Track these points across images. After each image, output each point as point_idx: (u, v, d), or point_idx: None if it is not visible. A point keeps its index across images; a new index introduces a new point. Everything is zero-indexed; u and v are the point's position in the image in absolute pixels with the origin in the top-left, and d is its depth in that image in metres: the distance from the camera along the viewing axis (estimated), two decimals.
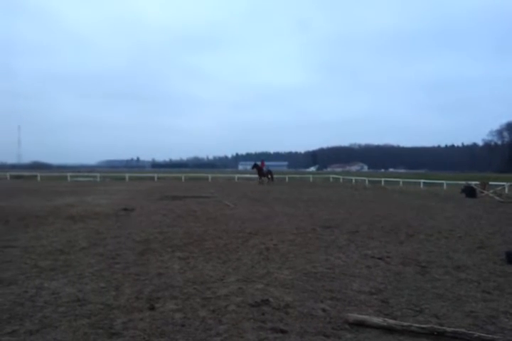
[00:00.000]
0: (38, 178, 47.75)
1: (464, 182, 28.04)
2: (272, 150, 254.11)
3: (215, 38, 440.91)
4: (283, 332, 3.70)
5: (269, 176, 38.15)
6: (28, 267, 5.98)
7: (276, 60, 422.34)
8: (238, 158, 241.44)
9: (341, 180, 50.48)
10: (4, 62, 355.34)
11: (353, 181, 46.93)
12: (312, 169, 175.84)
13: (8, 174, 52.04)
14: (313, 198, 20.54)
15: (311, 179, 53.37)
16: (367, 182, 43.30)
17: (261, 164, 38.55)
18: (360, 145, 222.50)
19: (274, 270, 5.96)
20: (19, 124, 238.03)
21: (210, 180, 50.00)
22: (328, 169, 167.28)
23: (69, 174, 51.15)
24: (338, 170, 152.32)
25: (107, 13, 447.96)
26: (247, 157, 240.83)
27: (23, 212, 12.71)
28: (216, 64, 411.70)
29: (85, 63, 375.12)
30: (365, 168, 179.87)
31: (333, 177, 54.57)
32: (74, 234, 8.83)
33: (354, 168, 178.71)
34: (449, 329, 3.65)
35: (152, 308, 4.26)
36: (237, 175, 56.69)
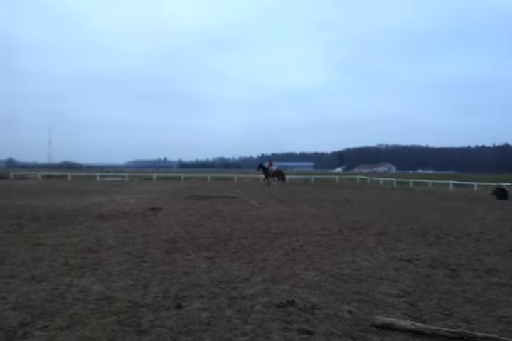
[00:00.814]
0: (69, 178, 48.91)
1: (495, 184, 27.30)
2: (297, 150, 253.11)
3: (237, 39, 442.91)
4: (309, 333, 3.68)
5: (280, 176, 36.16)
6: (59, 265, 6.13)
7: (298, 61, 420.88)
8: (264, 159, 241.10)
9: (368, 181, 49.89)
10: (34, 65, 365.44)
11: (381, 182, 46.32)
12: (338, 170, 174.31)
13: (39, 174, 53.50)
14: (339, 199, 20.37)
15: (337, 180, 52.93)
16: (395, 183, 42.64)
17: (268, 164, 36.98)
18: (387, 146, 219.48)
19: (300, 271, 5.93)
20: (50, 125, 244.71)
21: (235, 180, 50.17)
22: (355, 170, 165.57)
23: (98, 174, 52.21)
24: (365, 170, 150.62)
25: (130, 17, 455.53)
26: (273, 157, 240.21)
27: (54, 211, 13.03)
28: (238, 65, 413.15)
29: (111, 65, 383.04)
30: (393, 169, 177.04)
31: (359, 178, 53.94)
32: (103, 233, 9.00)
33: (381, 168, 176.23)
34: (479, 335, 3.56)
35: (179, 307, 4.30)
36: (262, 176, 56.72)
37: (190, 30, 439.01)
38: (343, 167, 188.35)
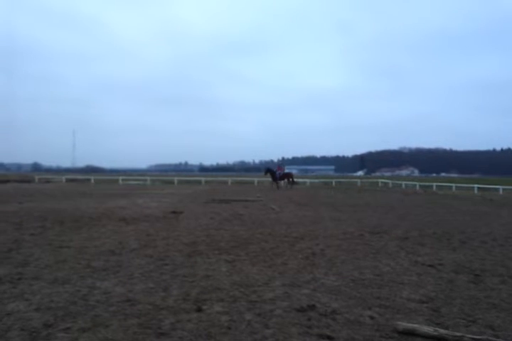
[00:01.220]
0: (92, 181, 49.78)
1: None
2: (318, 154, 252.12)
3: (257, 43, 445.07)
4: (330, 338, 3.64)
5: (290, 179, 35.71)
6: (82, 267, 6.22)
7: (318, 63, 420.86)
8: (284, 162, 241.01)
9: (390, 185, 49.32)
10: (59, 71, 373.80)
11: (403, 186, 45.72)
12: (360, 173, 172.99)
13: (63, 177, 54.61)
14: (360, 203, 20.17)
15: (358, 183, 52.50)
16: (417, 186, 42.06)
17: (277, 169, 36.59)
18: (410, 149, 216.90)
19: (320, 275, 5.89)
20: (74, 130, 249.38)
21: (256, 183, 50.21)
22: (377, 173, 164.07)
23: (121, 177, 53.00)
24: (387, 174, 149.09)
25: (152, 23, 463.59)
26: (293, 161, 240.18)
27: (78, 214, 13.25)
28: (258, 68, 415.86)
29: (133, 70, 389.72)
30: (416, 173, 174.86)
31: (381, 182, 53.41)
32: (125, 236, 9.11)
33: (404, 172, 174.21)
34: None
35: (199, 310, 4.31)
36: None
37: (210, 35, 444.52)
38: (365, 170, 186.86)
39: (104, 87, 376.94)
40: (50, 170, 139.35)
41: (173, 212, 13.91)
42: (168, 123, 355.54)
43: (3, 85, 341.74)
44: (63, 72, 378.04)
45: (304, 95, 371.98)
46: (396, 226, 11.42)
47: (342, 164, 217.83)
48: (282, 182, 36.13)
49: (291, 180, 35.76)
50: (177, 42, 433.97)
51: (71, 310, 4.30)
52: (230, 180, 53.49)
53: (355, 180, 59.89)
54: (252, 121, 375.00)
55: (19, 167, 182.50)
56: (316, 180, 57.87)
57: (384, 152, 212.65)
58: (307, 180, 54.80)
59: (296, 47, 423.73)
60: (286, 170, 37.93)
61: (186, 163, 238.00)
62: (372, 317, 4.18)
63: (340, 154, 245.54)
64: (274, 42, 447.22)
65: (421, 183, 43.94)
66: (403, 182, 47.65)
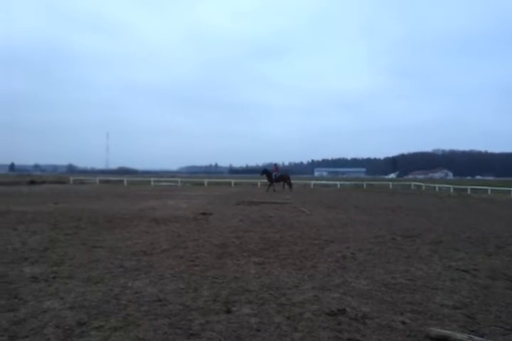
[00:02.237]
0: (125, 183, 50.74)
1: None
2: (349, 156, 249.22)
3: (283, 46, 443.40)
4: None
5: (287, 182, 33.77)
6: (114, 267, 6.34)
7: (345, 65, 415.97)
8: (314, 164, 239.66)
9: (423, 188, 48.28)
10: (92, 75, 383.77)
11: (437, 189, 44.67)
12: (392, 176, 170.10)
13: (97, 179, 55.89)
14: (392, 206, 19.83)
15: (390, 186, 51.60)
16: (451, 190, 41.01)
17: (274, 169, 35.11)
18: (444, 151, 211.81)
19: (351, 279, 5.81)
20: (107, 132, 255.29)
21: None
22: (410, 176, 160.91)
23: (152, 179, 53.82)
24: (420, 177, 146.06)
25: (180, 27, 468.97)
26: (323, 163, 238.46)
27: (111, 215, 13.52)
28: (286, 71, 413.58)
29: (163, 73, 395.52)
30: (450, 175, 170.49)
31: (414, 185, 52.34)
32: (156, 236, 9.24)
33: (437, 175, 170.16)
34: None
35: (229, 311, 4.32)
36: (312, 182, 56.33)
37: (238, 39, 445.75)
38: (397, 173, 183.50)
39: (135, 90, 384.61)
40: (84, 172, 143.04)
41: (203, 214, 14.03)
42: (198, 125, 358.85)
43: (39, 89, 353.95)
44: (96, 75, 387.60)
45: (331, 97, 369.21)
46: (429, 230, 11.16)
47: (373, 166, 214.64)
48: (278, 184, 34.40)
49: (288, 182, 34.04)
50: (205, 45, 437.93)
51: (104, 308, 4.38)
52: (259, 182, 53.55)
53: (387, 182, 58.93)
54: (281, 123, 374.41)
55: (55, 168, 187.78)
56: (347, 183, 57.23)
57: (417, 154, 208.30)
58: (337, 182, 54.31)
59: (323, 50, 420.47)
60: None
61: (216, 165, 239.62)
62: (404, 323, 4.09)
63: (372, 156, 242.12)
64: (301, 45, 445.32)
65: (455, 186, 42.77)
66: (436, 185, 46.57)
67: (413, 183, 53.93)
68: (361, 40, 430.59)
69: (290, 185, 34.03)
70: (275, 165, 36.05)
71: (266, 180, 35.69)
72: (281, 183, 34.26)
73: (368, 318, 4.21)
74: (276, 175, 34.12)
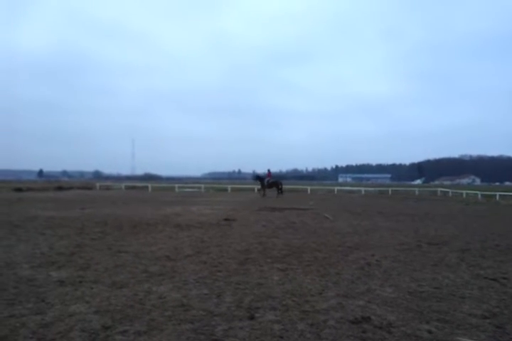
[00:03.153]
0: (149, 189, 51.33)
1: None
2: (374, 161, 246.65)
3: (304, 52, 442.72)
4: None
5: (279, 187, 33.96)
6: (139, 271, 6.40)
7: (367, 70, 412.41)
8: (338, 170, 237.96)
9: (450, 194, 47.31)
10: (117, 83, 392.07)
11: (464, 195, 43.71)
12: (418, 182, 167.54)
13: (123, 185, 56.80)
14: (418, 212, 19.49)
15: (416, 192, 50.79)
16: (479, 196, 40.06)
17: (267, 175, 35.32)
18: (471, 157, 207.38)
19: (375, 287, 5.72)
20: (133, 139, 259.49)
21: (309, 192, 49.85)
22: (436, 182, 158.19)
23: (176, 185, 54.35)
24: (447, 183, 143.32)
25: (201, 36, 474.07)
26: (348, 169, 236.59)
27: (136, 220, 13.69)
28: (307, 77, 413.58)
29: (185, 81, 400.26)
30: (477, 181, 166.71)
31: (441, 191, 51.35)
32: (180, 242, 9.30)
33: (465, 180, 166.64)
34: None
35: (252, 318, 4.31)
36: (336, 188, 55.89)
37: (258, 46, 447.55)
38: (423, 179, 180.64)
39: (158, 97, 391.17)
40: (110, 178, 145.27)
41: (227, 220, 14.06)
42: (221, 132, 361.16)
43: (67, 98, 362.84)
44: (121, 84, 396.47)
45: (354, 102, 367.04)
46: (456, 237, 10.92)
47: (399, 172, 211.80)
48: (269, 190, 34.68)
49: (280, 188, 34.17)
50: (227, 53, 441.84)
51: (128, 313, 4.42)
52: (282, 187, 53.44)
53: (413, 188, 58.01)
54: (304, 128, 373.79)
55: (82, 174, 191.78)
56: (371, 189, 56.59)
57: (443, 160, 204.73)
58: (362, 189, 53.75)
59: (344, 55, 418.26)
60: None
61: (240, 171, 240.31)
62: (430, 332, 4.00)
63: (397, 162, 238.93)
64: (322, 50, 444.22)
65: (483, 192, 41.73)
66: (464, 191, 45.53)
67: (439, 189, 52.93)
68: (382, 45, 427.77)
69: (281, 190, 34.18)
70: (268, 171, 36.16)
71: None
72: (274, 189, 34.50)
73: (393, 327, 4.13)
74: (268, 181, 34.51)
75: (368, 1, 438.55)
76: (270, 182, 34.33)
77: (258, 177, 35.55)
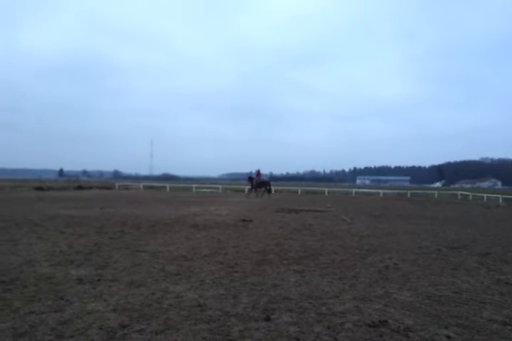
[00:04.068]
0: (167, 189, 51.75)
1: None
2: (392, 164, 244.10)
3: (320, 54, 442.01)
4: None
5: (267, 188, 35.10)
6: (156, 271, 6.45)
7: (384, 72, 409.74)
8: (356, 172, 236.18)
9: (471, 197, 46.55)
10: (136, 84, 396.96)
11: (485, 198, 42.96)
12: (437, 185, 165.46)
13: (141, 184, 57.32)
14: (438, 216, 19.22)
15: (436, 195, 50.09)
16: (500, 199, 39.32)
17: (256, 175, 35.99)
18: (492, 160, 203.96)
19: (393, 290, 5.66)
20: (151, 139, 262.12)
21: (326, 193, 49.61)
22: (456, 185, 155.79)
23: (194, 185, 54.62)
24: (467, 186, 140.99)
25: (217, 38, 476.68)
26: (366, 171, 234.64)
27: (154, 220, 13.81)
28: (323, 78, 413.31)
29: (202, 83, 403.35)
30: (499, 185, 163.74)
31: (461, 194, 50.56)
32: (197, 242, 9.34)
33: (485, 184, 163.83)
34: None
35: (268, 319, 4.30)
36: (354, 190, 55.48)
37: (274, 48, 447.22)
38: (443, 182, 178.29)
39: (176, 98, 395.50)
40: (129, 178, 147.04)
41: (243, 220, 14.08)
42: (238, 133, 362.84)
43: (87, 98, 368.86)
44: (140, 85, 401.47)
45: (371, 104, 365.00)
46: (476, 241, 10.73)
47: (418, 175, 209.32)
48: (260, 190, 35.59)
49: (268, 188, 35.15)
50: (242, 55, 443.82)
51: (145, 312, 4.46)
52: (300, 189, 53.31)
53: (433, 191, 57.22)
54: (321, 130, 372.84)
55: (101, 174, 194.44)
56: (390, 191, 56.04)
57: (464, 162, 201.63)
58: (380, 191, 53.25)
59: (360, 57, 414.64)
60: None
61: (257, 172, 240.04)
62: (449, 337, 3.93)
63: (417, 164, 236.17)
64: (337, 53, 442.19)
65: (504, 196, 40.90)
66: (484, 195, 44.75)
67: (460, 192, 52.10)
68: (401, 47, 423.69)
69: (270, 190, 35.32)
70: (258, 171, 36.92)
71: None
72: (263, 189, 35.37)
73: (410, 331, 4.07)
74: (257, 181, 35.49)
75: (384, 3, 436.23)
76: (259, 183, 35.39)
77: (250, 178, 36.50)
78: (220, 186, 55.81)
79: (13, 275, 5.98)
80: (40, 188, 42.43)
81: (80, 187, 48.51)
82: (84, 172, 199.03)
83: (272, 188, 35.73)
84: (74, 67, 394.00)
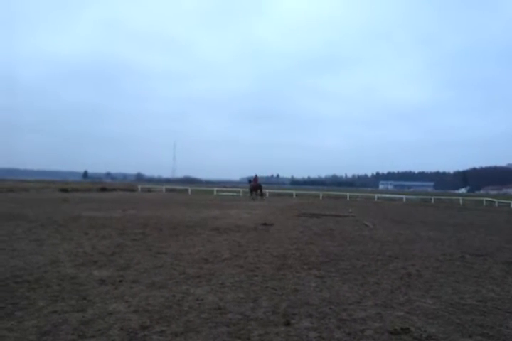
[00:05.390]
0: (189, 192, 52.12)
1: None
2: (416, 169, 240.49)
3: (337, 58, 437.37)
4: None
5: (259, 191, 37.18)
6: (177, 273, 6.49)
7: (402, 77, 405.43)
8: (379, 177, 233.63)
9: (497, 204, 45.52)
10: (159, 88, 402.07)
11: (511, 205, 41.96)
12: (462, 191, 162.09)
13: (163, 187, 57.94)
14: (462, 222, 18.84)
15: (460, 201, 49.13)
16: None
17: (253, 180, 38.12)
18: None
19: (416, 298, 5.56)
20: (174, 143, 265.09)
21: (348, 198, 49.18)
22: (482, 191, 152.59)
23: (215, 188, 54.90)
24: (493, 192, 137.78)
25: (235, 44, 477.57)
26: (389, 176, 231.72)
27: (175, 222, 13.91)
28: (341, 83, 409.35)
29: (222, 87, 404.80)
30: None
31: (486, 200, 49.48)
32: (218, 245, 9.37)
33: None
34: None
35: (288, 324, 4.27)
36: (377, 195, 54.85)
37: (290, 52, 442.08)
38: (468, 188, 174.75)
39: (196, 102, 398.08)
40: (151, 180, 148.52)
41: (264, 224, 14.06)
42: (259, 137, 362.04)
43: (110, 103, 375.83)
44: (162, 89, 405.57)
45: (392, 109, 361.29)
46: (502, 248, 10.47)
47: (442, 180, 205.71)
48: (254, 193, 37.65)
49: (259, 191, 37.32)
50: (260, 60, 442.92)
51: (166, 313, 4.48)
52: (321, 193, 53.00)
53: (457, 197, 56.14)
54: (342, 134, 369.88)
55: (124, 177, 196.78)
56: (413, 197, 55.23)
57: (490, 168, 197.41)
58: (403, 196, 52.54)
59: (379, 61, 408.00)
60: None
61: (278, 176, 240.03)
62: None
63: (441, 170, 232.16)
64: (355, 57, 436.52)
65: None
66: (511, 202, 43.72)
67: (485, 199, 51.00)
68: (418, 51, 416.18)
69: (261, 194, 37.89)
70: (255, 176, 38.81)
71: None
72: (255, 192, 37.45)
73: (433, 339, 3.99)
74: (252, 185, 37.94)
75: (402, 7, 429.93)
76: (252, 186, 37.66)
77: (249, 182, 39.19)
78: (241, 189, 55.91)
79: (37, 274, 6.10)
80: (64, 190, 43.28)
81: (103, 189, 49.29)
82: (108, 175, 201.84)
83: (263, 191, 38.92)
84: (97, 71, 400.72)
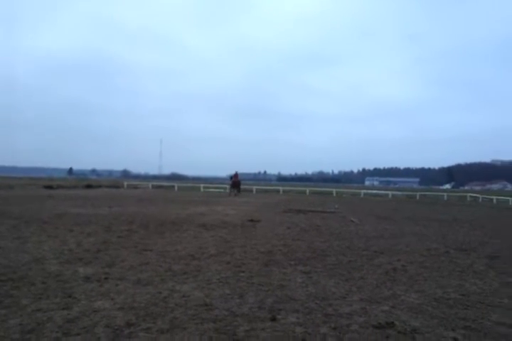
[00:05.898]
0: (176, 188, 51.88)
1: None
2: (401, 165, 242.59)
3: (324, 55, 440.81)
4: None
5: (236, 187, 38.95)
6: (163, 270, 6.47)
7: (389, 75, 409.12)
8: (365, 173, 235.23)
9: (480, 200, 46.20)
10: (145, 85, 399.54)
11: (494, 201, 42.61)
12: (447, 186, 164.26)
13: (150, 184, 57.61)
14: (446, 218, 19.09)
15: (445, 197, 49.75)
16: (510, 202, 38.96)
17: (234, 176, 39.65)
18: (503, 162, 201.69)
19: (400, 292, 5.63)
20: (161, 139, 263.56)
21: (334, 194, 49.47)
22: (466, 187, 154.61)
23: (202, 185, 54.72)
24: (477, 188, 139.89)
25: (225, 41, 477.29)
26: (375, 172, 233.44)
27: (162, 219, 13.85)
28: (329, 80, 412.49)
29: (211, 83, 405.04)
30: (509, 187, 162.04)
31: (470, 196, 50.20)
32: (204, 242, 9.36)
33: (496, 186, 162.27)
34: None
35: (274, 319, 4.29)
36: (363, 191, 55.23)
37: (280, 50, 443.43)
38: (452, 184, 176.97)
39: (184, 99, 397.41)
40: (138, 177, 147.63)
41: (251, 220, 14.07)
42: (246, 133, 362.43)
43: (96, 99, 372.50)
44: (148, 86, 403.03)
45: (379, 106, 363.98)
46: (485, 243, 10.64)
47: (427, 176, 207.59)
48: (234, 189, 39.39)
49: (237, 187, 39.27)
50: (249, 57, 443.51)
51: (152, 310, 4.47)
52: (308, 190, 53.21)
53: (442, 193, 56.83)
54: (328, 131, 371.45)
55: (110, 173, 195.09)
56: (399, 193, 55.75)
57: (474, 164, 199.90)
58: (389, 192, 53.00)
59: (366, 59, 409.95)
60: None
61: (265, 172, 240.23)
62: (456, 339, 3.90)
63: (426, 166, 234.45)
64: (343, 54, 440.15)
65: None
66: (494, 197, 44.38)
67: (469, 195, 51.73)
68: (406, 49, 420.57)
69: (239, 189, 39.87)
70: (235, 173, 40.19)
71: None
72: (235, 188, 39.30)
73: (417, 333, 4.05)
74: (233, 182, 39.72)
75: (390, 4, 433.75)
76: (232, 182, 39.57)
77: (231, 178, 40.85)
78: (228, 186, 55.85)
79: (21, 272, 6.03)
80: (49, 186, 42.72)
81: (88, 186, 48.80)
82: (94, 171, 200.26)
83: (240, 188, 40.70)
84: (85, 67, 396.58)
